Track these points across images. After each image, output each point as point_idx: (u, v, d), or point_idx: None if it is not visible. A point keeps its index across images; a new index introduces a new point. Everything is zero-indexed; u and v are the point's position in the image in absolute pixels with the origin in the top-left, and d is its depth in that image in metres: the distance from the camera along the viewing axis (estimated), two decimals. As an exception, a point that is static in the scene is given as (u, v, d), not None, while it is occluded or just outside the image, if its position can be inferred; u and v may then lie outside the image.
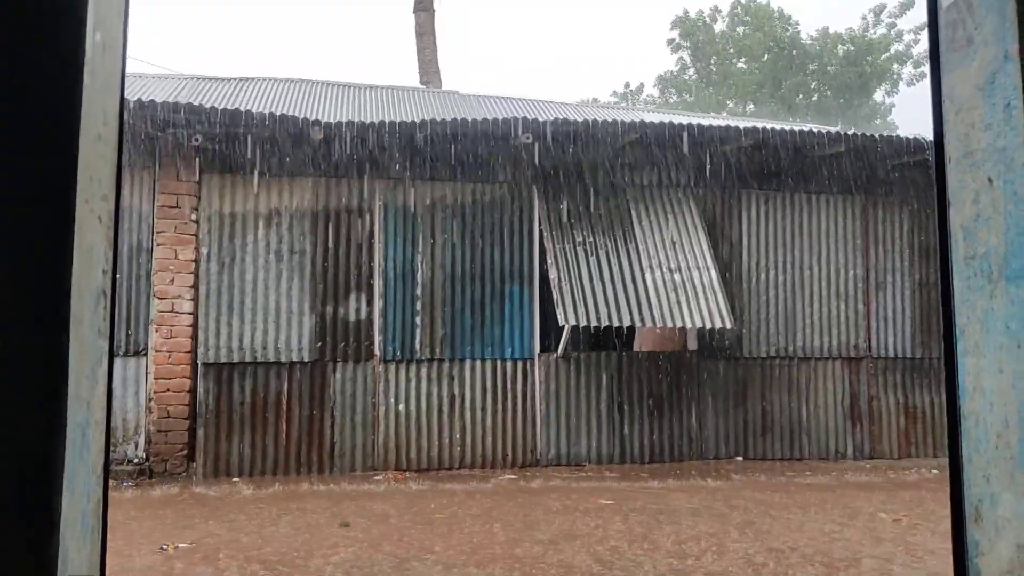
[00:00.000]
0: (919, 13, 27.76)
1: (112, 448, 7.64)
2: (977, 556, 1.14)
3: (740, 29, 29.98)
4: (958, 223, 1.18)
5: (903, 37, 28.31)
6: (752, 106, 29.08)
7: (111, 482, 7.13)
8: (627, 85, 34.58)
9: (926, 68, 27.96)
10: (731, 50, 29.91)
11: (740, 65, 29.81)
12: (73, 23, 0.82)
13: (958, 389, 1.18)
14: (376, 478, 7.72)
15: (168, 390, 7.71)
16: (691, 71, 31.35)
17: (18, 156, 0.78)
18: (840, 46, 28.49)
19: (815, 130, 8.81)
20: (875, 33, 28.57)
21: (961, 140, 1.17)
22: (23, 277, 0.78)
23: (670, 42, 31.05)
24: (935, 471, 8.25)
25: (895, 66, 28.58)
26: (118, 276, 7.67)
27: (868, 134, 8.75)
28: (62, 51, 0.81)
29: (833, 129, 8.94)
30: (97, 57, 0.88)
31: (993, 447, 1.11)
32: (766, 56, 28.69)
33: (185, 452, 7.72)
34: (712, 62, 30.45)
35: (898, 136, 8.95)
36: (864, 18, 29.03)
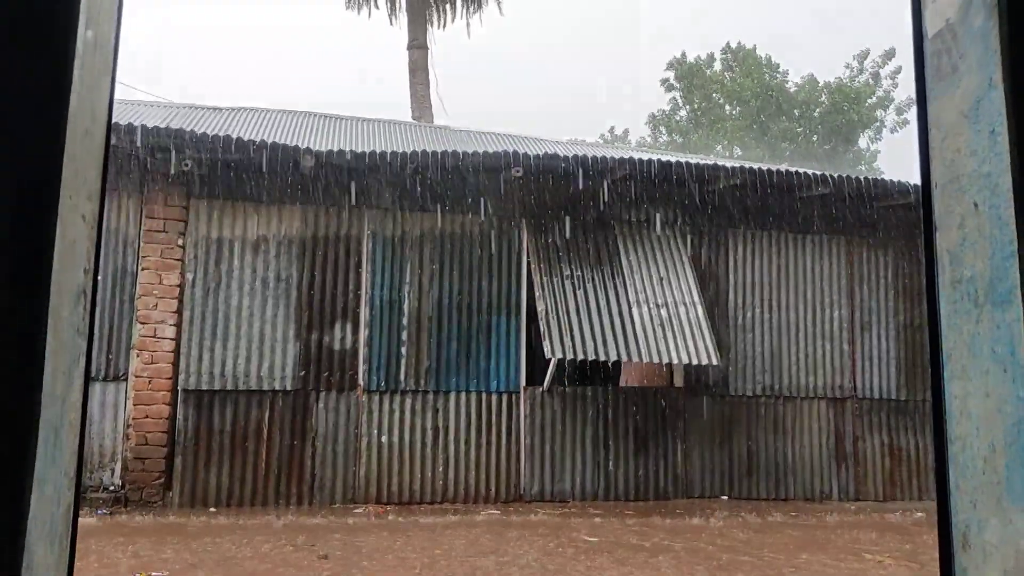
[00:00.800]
0: (900, 60, 28.46)
1: (88, 475, 7.47)
2: (964, 584, 1.12)
3: (728, 75, 30.52)
4: (944, 248, 1.18)
5: (882, 82, 28.97)
6: (739, 151, 29.47)
7: (85, 509, 6.91)
8: (611, 130, 35.06)
9: (909, 115, 28.61)
10: (714, 95, 30.40)
11: (729, 109, 30.29)
12: (65, 18, 0.82)
13: (945, 414, 1.18)
14: (357, 511, 7.59)
15: (147, 416, 7.58)
16: (683, 112, 31.80)
17: (2, 146, 0.77)
18: (826, 94, 29.04)
19: (801, 171, 8.92)
20: (859, 81, 29.19)
21: (947, 166, 1.18)
22: (1, 268, 0.76)
23: (663, 81, 31.53)
24: (920, 514, 8.20)
25: (879, 112, 29.16)
26: (100, 300, 7.58)
27: (853, 176, 8.88)
28: (53, 44, 0.81)
29: (819, 171, 9.07)
30: (88, 53, 0.88)
31: (980, 472, 1.10)
32: (753, 102, 29.16)
33: (162, 480, 7.57)
34: (702, 105, 30.90)
35: (882, 179, 9.09)
36: (848, 66, 29.70)
